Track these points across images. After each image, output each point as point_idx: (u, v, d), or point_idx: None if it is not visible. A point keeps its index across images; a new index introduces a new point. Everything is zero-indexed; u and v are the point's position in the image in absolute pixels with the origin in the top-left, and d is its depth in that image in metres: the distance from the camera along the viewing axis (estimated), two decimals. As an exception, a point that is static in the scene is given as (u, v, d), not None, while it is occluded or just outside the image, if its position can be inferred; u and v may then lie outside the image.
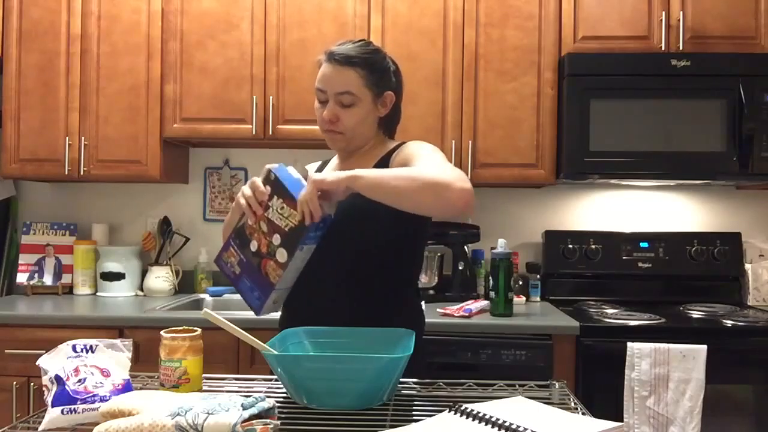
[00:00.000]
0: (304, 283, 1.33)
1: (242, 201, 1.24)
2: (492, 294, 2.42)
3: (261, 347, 1.09)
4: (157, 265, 2.84)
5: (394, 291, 1.46)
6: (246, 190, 1.25)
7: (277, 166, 1.25)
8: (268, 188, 1.23)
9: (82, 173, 2.66)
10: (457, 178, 1.20)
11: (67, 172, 2.66)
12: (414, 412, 1.06)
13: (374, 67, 1.46)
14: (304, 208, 1.16)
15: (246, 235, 1.27)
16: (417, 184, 1.18)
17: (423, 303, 1.63)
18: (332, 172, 1.20)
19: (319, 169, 1.65)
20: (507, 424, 0.94)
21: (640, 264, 2.78)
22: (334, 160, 1.62)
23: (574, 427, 0.95)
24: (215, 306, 2.77)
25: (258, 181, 1.25)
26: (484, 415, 0.98)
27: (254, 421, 0.89)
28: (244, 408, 0.90)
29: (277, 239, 1.23)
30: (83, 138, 2.66)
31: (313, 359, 1.09)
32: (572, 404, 1.13)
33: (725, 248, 2.77)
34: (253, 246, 1.26)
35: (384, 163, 1.45)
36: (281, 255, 1.23)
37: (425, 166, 1.29)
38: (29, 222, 2.92)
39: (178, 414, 0.89)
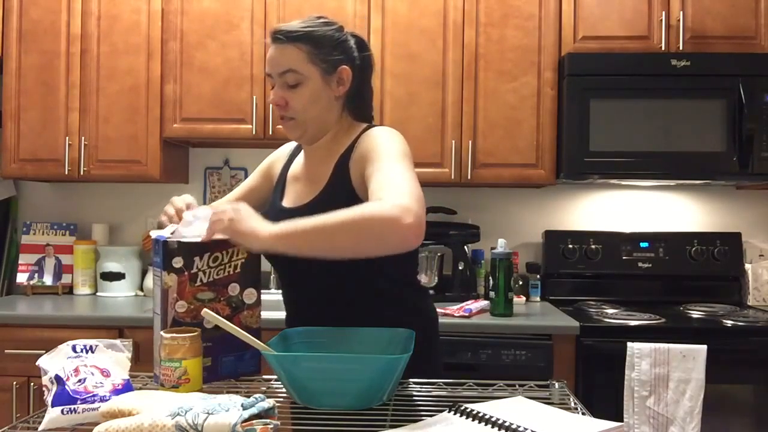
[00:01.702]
0: (306, 285, 1.33)
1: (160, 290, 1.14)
2: (492, 294, 2.42)
3: (261, 347, 1.09)
4: (157, 265, 2.84)
5: (398, 290, 1.40)
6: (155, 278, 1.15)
7: (158, 241, 1.12)
8: (178, 261, 1.10)
9: (82, 173, 2.66)
10: (402, 209, 1.05)
11: (67, 172, 2.66)
12: (414, 412, 1.06)
13: (320, 41, 1.31)
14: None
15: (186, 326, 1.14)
16: (353, 234, 1.07)
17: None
18: (250, 223, 1.11)
19: (290, 157, 1.52)
20: (507, 424, 0.94)
21: (640, 264, 2.78)
22: (299, 158, 1.48)
23: (574, 427, 0.95)
24: (215, 306, 2.77)
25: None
26: (484, 415, 0.98)
27: (254, 421, 0.89)
28: (244, 408, 0.90)
29: (234, 289, 1.15)
30: (83, 138, 2.66)
31: (313, 359, 1.09)
32: (572, 404, 1.13)
33: (725, 248, 2.77)
34: (209, 324, 1.14)
35: (344, 162, 1.32)
36: (250, 297, 1.18)
37: (373, 189, 1.15)
38: (29, 222, 2.92)
39: (178, 414, 0.89)
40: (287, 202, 1.42)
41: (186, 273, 1.11)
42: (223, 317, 1.11)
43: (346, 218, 1.07)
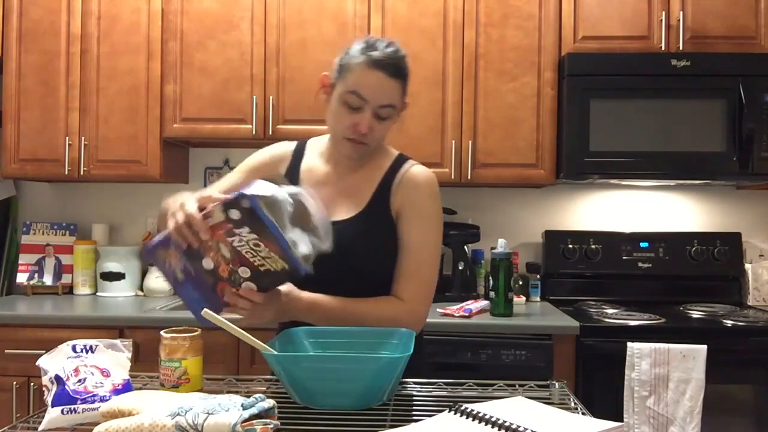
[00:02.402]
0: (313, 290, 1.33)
1: (170, 224, 1.10)
2: (492, 294, 2.42)
3: (261, 347, 1.09)
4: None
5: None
6: (179, 216, 1.09)
7: (250, 194, 1.05)
8: (235, 213, 1.05)
9: (82, 173, 2.66)
10: (416, 321, 1.33)
11: (67, 172, 2.66)
12: (414, 412, 1.06)
13: (407, 76, 1.36)
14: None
15: (194, 250, 1.11)
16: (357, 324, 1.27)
17: None
18: (285, 297, 1.20)
19: (296, 157, 1.49)
20: (507, 424, 0.94)
21: (640, 264, 2.78)
22: (316, 161, 1.46)
23: (574, 427, 0.95)
24: (215, 306, 2.77)
25: (192, 208, 1.09)
26: (484, 415, 0.98)
27: (254, 421, 0.89)
28: (244, 408, 0.90)
29: (245, 272, 1.11)
30: (83, 138, 2.66)
31: (313, 359, 1.09)
32: (572, 404, 1.13)
33: (725, 248, 2.77)
34: (208, 264, 1.12)
35: (386, 188, 1.38)
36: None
37: (403, 271, 1.36)
38: (29, 222, 2.92)
39: (178, 414, 0.89)
40: None
41: (231, 224, 1.07)
42: (217, 272, 1.12)
43: (368, 318, 1.29)
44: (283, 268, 1.10)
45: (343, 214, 1.38)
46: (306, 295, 1.27)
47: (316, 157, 1.47)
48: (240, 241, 1.08)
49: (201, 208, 1.09)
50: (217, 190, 1.49)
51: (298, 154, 1.49)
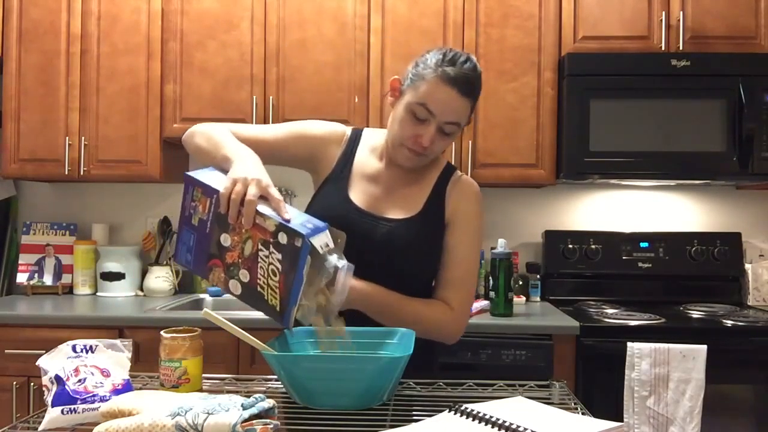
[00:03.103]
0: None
1: (227, 186, 1.09)
2: (492, 294, 2.42)
3: (261, 347, 1.09)
4: (157, 265, 2.84)
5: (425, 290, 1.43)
6: (238, 187, 1.08)
7: (308, 241, 1.01)
8: (283, 238, 1.03)
9: (82, 173, 2.66)
10: (459, 329, 1.36)
11: (67, 172, 2.66)
12: (414, 412, 1.06)
13: (479, 95, 1.35)
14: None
15: (226, 220, 1.09)
16: (418, 330, 1.24)
17: None
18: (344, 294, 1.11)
19: (350, 145, 1.45)
20: (507, 424, 0.94)
21: (640, 264, 2.78)
22: (369, 155, 1.43)
23: (574, 427, 0.95)
24: (215, 306, 2.77)
25: (254, 193, 1.07)
26: (484, 415, 0.98)
27: (254, 421, 0.89)
28: (244, 408, 0.90)
29: (245, 276, 1.08)
30: (83, 138, 2.66)
31: (313, 359, 1.09)
32: (572, 404, 1.13)
33: (725, 248, 2.77)
34: (225, 240, 1.10)
35: (440, 193, 1.39)
36: (234, 288, 1.11)
37: (448, 278, 1.36)
38: (29, 222, 2.92)
39: (178, 414, 0.89)
40: (363, 202, 1.38)
41: (272, 240, 1.05)
42: (223, 251, 1.10)
43: (418, 318, 1.30)
44: (274, 308, 1.07)
45: (397, 214, 1.37)
46: (359, 283, 1.23)
47: (369, 151, 1.44)
48: (266, 256, 1.06)
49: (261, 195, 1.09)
50: (259, 134, 1.41)
51: (353, 143, 1.45)
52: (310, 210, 1.37)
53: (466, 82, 1.29)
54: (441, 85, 1.28)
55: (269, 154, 1.36)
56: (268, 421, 0.91)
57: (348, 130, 1.48)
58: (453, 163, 2.58)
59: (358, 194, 1.39)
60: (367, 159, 1.43)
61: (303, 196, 2.84)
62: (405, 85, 1.34)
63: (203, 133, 1.31)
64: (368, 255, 1.27)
